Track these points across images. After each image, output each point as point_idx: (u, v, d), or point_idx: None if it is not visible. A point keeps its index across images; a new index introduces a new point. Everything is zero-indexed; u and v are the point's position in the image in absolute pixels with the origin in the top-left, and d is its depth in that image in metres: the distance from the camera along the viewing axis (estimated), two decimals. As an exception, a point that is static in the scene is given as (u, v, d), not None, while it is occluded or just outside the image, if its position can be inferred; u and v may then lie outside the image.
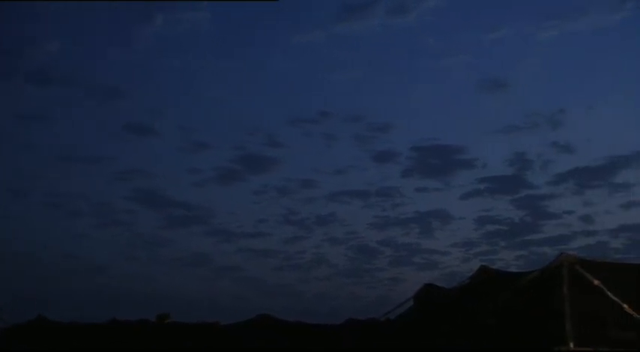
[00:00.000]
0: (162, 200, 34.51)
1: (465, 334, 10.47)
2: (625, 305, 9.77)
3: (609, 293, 9.89)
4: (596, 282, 10.07)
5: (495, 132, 34.94)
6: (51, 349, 15.48)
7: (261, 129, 36.22)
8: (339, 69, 38.68)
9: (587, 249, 28.24)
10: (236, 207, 37.32)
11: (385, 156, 34.25)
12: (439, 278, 31.93)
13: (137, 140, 37.56)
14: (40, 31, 35.95)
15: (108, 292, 28.28)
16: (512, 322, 10.82)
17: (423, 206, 34.28)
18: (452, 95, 37.58)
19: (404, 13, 36.51)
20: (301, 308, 29.10)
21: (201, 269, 34.63)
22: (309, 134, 36.58)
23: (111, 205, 34.50)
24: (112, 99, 37.01)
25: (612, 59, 34.61)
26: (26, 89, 35.71)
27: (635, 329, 10.82)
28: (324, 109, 36.23)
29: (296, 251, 33.90)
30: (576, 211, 30.82)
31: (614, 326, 11.62)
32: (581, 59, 35.56)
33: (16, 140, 35.73)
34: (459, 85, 38.23)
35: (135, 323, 17.23)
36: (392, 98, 38.14)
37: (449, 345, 10.91)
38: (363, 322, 13.90)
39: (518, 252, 31.15)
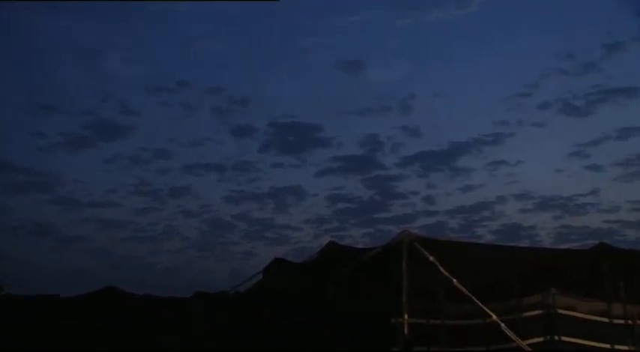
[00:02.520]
0: (1, 164, 31.68)
1: (306, 307, 10.82)
2: (454, 280, 10.49)
3: (441, 269, 10.57)
4: (431, 259, 10.71)
5: (351, 113, 35.99)
6: None
7: (115, 95, 34.34)
8: (202, 39, 37.61)
9: (428, 228, 30.03)
10: (85, 175, 34.89)
11: (243, 131, 33.98)
12: (290, 253, 32.55)
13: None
14: None
15: None
16: (353, 295, 11.32)
17: (278, 182, 34.56)
18: (311, 74, 38.02)
19: (269, -11, 36.09)
20: (151, 281, 28.22)
21: (44, 239, 32.33)
22: (167, 103, 35.24)
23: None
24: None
25: (458, 50, 36.91)
26: None
27: (462, 302, 11.79)
28: (183, 79, 35.16)
29: (147, 222, 32.74)
30: (420, 192, 32.63)
31: (445, 299, 12.60)
32: (432, 48, 37.47)
33: None
34: (319, 65, 38.68)
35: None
36: (253, 73, 37.82)
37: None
38: (212, 295, 13.82)
39: (366, 229, 32.40)
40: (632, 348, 12.20)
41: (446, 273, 10.56)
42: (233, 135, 34.55)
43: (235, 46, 37.21)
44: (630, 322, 12.44)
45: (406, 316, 10.89)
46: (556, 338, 11.95)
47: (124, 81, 35.08)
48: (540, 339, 12.00)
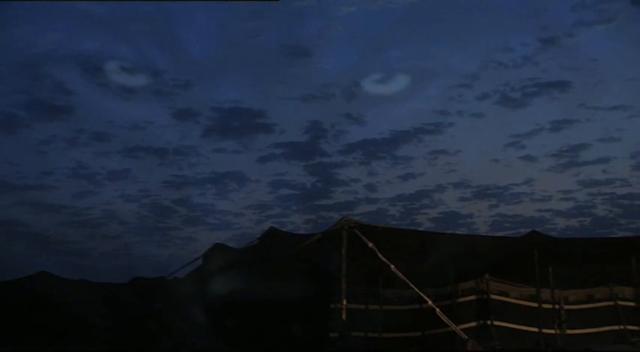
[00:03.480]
0: None
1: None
2: (392, 266, 10.65)
3: (380, 255, 10.71)
4: (370, 245, 10.84)
5: (295, 99, 35.86)
6: None
7: (52, 75, 33.05)
8: (143, 20, 36.63)
9: (369, 215, 30.37)
10: (17, 157, 33.70)
11: (185, 115, 33.41)
12: (231, 239, 32.27)
13: None
14: None
15: None
16: (293, 280, 11.36)
17: (220, 167, 34.25)
18: (256, 59, 37.63)
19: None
20: (88, 266, 27.56)
21: (-29, 223, 31.05)
22: (106, 85, 34.24)
23: None
24: None
25: (402, 39, 37.16)
26: None
27: (400, 288, 12.04)
28: (123, 60, 34.22)
29: (84, 206, 31.81)
30: (362, 180, 32.86)
31: (384, 285, 12.84)
32: (376, 36, 37.58)
33: None
34: (263, 50, 38.37)
35: None
36: (194, 55, 37.10)
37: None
38: (150, 280, 13.62)
39: (308, 215, 32.43)
40: (558, 331, 12.79)
41: (384, 259, 10.69)
42: (175, 119, 33.99)
43: (176, 27, 36.53)
44: (557, 306, 13.02)
45: (345, 301, 11.01)
46: (489, 322, 12.39)
47: (61, 60, 33.91)
48: (474, 324, 12.42)
